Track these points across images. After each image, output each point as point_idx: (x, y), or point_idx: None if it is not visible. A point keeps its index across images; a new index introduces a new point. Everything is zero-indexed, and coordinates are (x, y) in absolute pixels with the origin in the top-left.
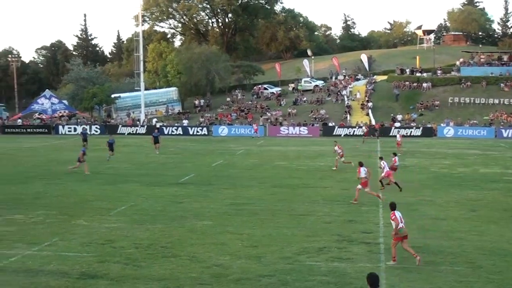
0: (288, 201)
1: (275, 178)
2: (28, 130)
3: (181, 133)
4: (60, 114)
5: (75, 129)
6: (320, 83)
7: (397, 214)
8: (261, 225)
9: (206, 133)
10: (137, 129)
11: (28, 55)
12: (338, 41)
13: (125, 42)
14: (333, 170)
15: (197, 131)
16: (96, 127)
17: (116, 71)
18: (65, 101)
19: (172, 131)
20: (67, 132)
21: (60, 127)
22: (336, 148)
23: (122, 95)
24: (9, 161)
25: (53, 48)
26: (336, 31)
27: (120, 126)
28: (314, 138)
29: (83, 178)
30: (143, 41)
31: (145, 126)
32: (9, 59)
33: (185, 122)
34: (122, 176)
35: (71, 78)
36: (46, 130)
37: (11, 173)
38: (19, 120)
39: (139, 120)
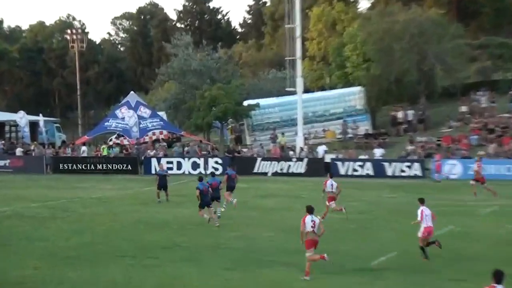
0: None
1: None
2: (99, 166)
3: (371, 172)
4: (154, 137)
5: (179, 165)
6: None
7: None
8: None
9: (419, 173)
10: (289, 165)
11: (99, 30)
12: None
13: (267, 3)
14: None
15: (402, 170)
16: (217, 161)
17: (252, 58)
18: (162, 114)
19: (355, 170)
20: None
21: (154, 161)
22: None
23: (262, 101)
24: (68, 224)
25: (142, 17)
26: None
27: (259, 159)
28: None
29: (189, 257)
30: (301, 2)
31: (305, 160)
32: (68, 37)
33: (378, 152)
34: (260, 253)
35: (173, 71)
36: (130, 167)
37: (71, 246)
38: (83, 148)
39: (293, 148)
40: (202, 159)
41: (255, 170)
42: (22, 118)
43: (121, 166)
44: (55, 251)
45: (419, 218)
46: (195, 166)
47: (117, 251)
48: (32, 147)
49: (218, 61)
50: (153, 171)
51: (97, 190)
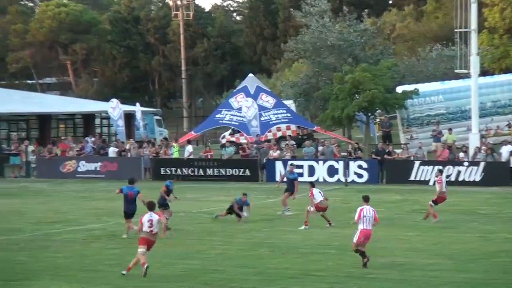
0: None
1: None
2: (209, 171)
3: None
4: (280, 134)
5: (311, 170)
6: None
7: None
8: None
9: None
10: (459, 171)
11: None
12: None
13: None
14: None
15: None
16: (361, 166)
17: (410, 30)
18: (289, 103)
19: None
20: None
21: (279, 164)
22: None
23: (422, 87)
24: (171, 247)
25: None
26: None
27: (417, 163)
28: None
29: None
30: None
31: (482, 164)
32: (171, 2)
33: None
34: (418, 286)
35: (304, 47)
36: (249, 172)
37: (174, 274)
38: (189, 148)
39: (464, 149)
40: (341, 163)
41: (412, 178)
42: (114, 108)
43: (236, 170)
44: (154, 280)
45: (356, 218)
46: (332, 171)
47: (233, 282)
48: (127, 146)
49: (364, 34)
50: (277, 178)
51: (208, 202)
